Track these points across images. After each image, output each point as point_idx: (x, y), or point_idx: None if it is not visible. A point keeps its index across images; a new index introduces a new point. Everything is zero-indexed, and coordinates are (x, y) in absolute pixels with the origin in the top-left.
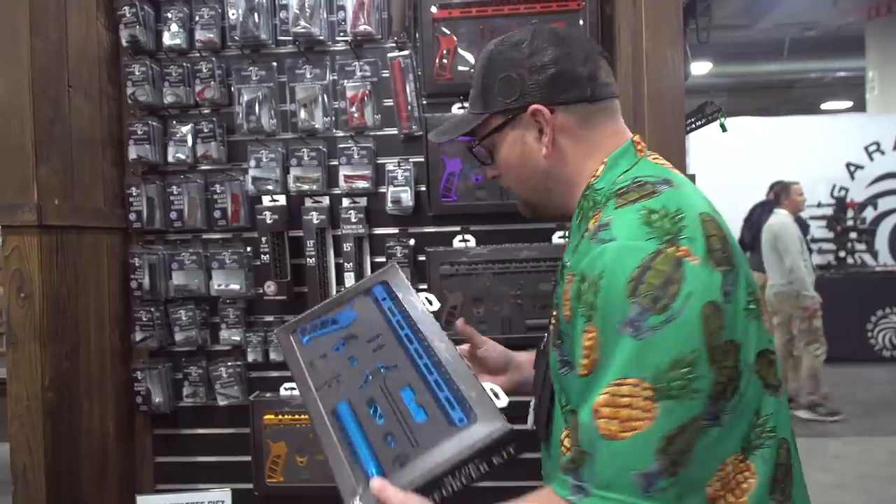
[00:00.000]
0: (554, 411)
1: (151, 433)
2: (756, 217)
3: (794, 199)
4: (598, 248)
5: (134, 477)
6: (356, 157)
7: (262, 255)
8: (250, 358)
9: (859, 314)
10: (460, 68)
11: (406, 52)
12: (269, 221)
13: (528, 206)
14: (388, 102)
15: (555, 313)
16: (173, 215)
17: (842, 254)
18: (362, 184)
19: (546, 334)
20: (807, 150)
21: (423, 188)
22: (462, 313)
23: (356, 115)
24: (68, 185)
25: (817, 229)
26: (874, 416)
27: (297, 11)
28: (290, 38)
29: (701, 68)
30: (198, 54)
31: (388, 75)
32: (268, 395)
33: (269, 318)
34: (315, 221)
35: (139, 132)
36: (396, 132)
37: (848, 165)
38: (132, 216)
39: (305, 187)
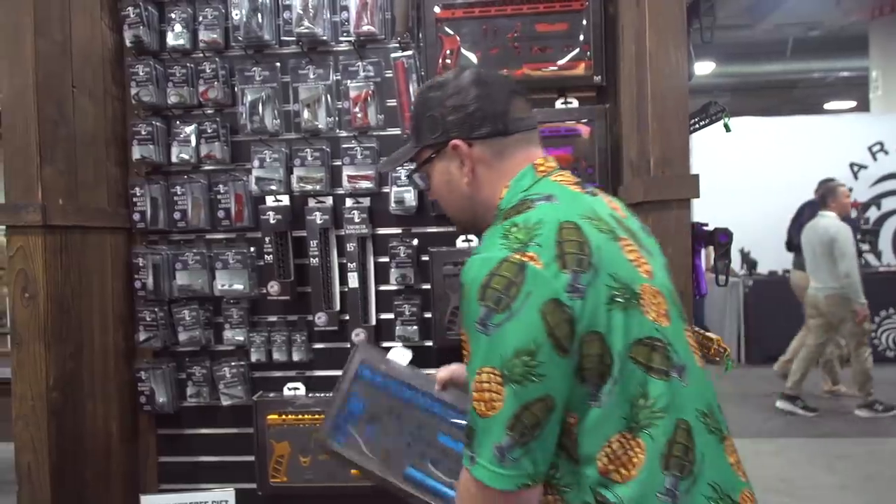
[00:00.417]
0: None
1: (155, 433)
2: (806, 218)
3: (842, 202)
4: (468, 261)
5: (138, 476)
6: (359, 157)
7: (266, 255)
8: (254, 358)
9: None
10: None
11: (409, 53)
12: (272, 221)
13: (460, 225)
14: (392, 103)
15: None
16: (177, 215)
17: None
18: (365, 184)
19: None
20: (810, 151)
21: None
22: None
23: (359, 115)
24: (72, 186)
25: None
26: (881, 417)
27: (301, 12)
28: (294, 38)
29: (704, 68)
30: (201, 55)
31: (391, 75)
32: (271, 395)
33: (273, 318)
34: (318, 221)
35: (143, 132)
36: (399, 132)
37: (851, 165)
38: (136, 216)
39: (309, 187)
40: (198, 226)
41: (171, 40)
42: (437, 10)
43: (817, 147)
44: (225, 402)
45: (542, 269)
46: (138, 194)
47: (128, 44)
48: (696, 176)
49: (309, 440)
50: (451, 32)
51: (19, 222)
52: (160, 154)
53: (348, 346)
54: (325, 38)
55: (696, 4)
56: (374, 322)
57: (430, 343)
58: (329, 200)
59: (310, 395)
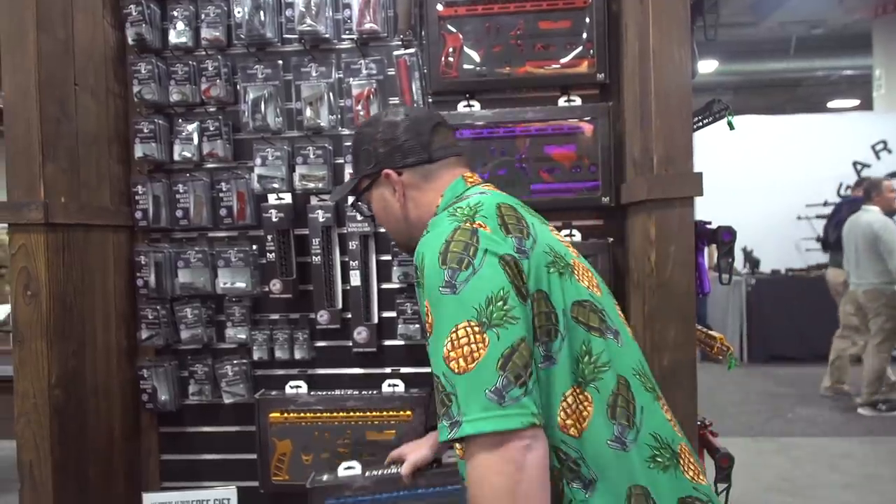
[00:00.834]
0: None
1: (157, 431)
2: (844, 214)
3: (887, 196)
4: (420, 242)
5: (140, 474)
6: None
7: (268, 254)
8: (256, 356)
9: None
10: (466, 66)
11: (412, 50)
12: (274, 219)
13: (400, 245)
14: (394, 100)
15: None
16: (179, 213)
17: None
18: None
19: None
20: (813, 149)
21: None
22: None
23: (362, 113)
24: (75, 184)
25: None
26: (883, 416)
27: (303, 9)
28: (296, 36)
29: (707, 66)
30: (204, 52)
31: (393, 73)
32: (273, 393)
33: (275, 317)
34: (321, 219)
35: (145, 130)
36: None
37: (855, 164)
38: (138, 214)
39: (311, 185)
40: (200, 224)
41: (173, 38)
42: (439, 7)
43: (821, 145)
44: (227, 400)
45: (491, 234)
46: (140, 192)
47: (130, 41)
48: (700, 174)
49: (311, 439)
50: (454, 30)
51: (21, 220)
52: (162, 152)
53: (350, 344)
54: (327, 35)
55: (700, 2)
56: (376, 320)
57: None
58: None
59: (312, 393)
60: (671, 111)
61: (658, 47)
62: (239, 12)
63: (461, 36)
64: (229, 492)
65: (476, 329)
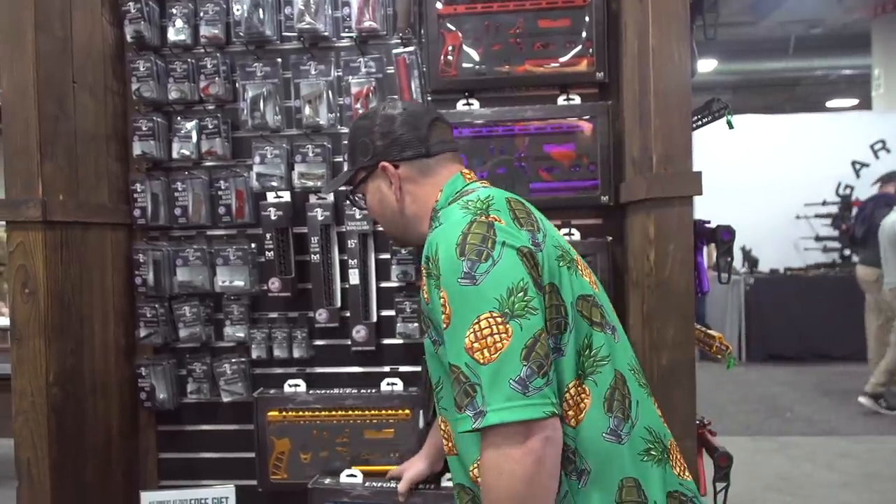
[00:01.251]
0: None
1: (155, 429)
2: (869, 211)
3: None
4: (432, 234)
5: (138, 473)
6: None
7: (267, 252)
8: (254, 354)
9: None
10: (465, 65)
11: (411, 49)
12: (273, 218)
13: (394, 238)
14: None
15: (421, 309)
16: (178, 211)
17: (847, 252)
18: None
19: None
20: (812, 148)
21: None
22: None
23: (361, 111)
24: (73, 181)
25: (822, 227)
26: (882, 415)
27: (302, 7)
28: (295, 34)
29: (706, 66)
30: (202, 50)
31: (392, 71)
32: (272, 391)
33: (274, 315)
34: (320, 218)
35: (144, 128)
36: None
37: (853, 163)
38: (137, 212)
39: (310, 184)
40: (198, 222)
41: (171, 36)
42: (439, 5)
43: (819, 145)
44: (225, 398)
45: (507, 227)
46: (139, 190)
47: (128, 39)
48: (699, 173)
49: (310, 437)
50: (453, 28)
51: (19, 218)
52: (161, 150)
53: (349, 342)
54: (326, 33)
55: (699, 1)
56: (374, 319)
57: None
58: (330, 197)
59: (310, 391)
60: (670, 110)
61: (657, 46)
62: (238, 10)
63: (460, 34)
64: (227, 490)
65: (499, 320)
